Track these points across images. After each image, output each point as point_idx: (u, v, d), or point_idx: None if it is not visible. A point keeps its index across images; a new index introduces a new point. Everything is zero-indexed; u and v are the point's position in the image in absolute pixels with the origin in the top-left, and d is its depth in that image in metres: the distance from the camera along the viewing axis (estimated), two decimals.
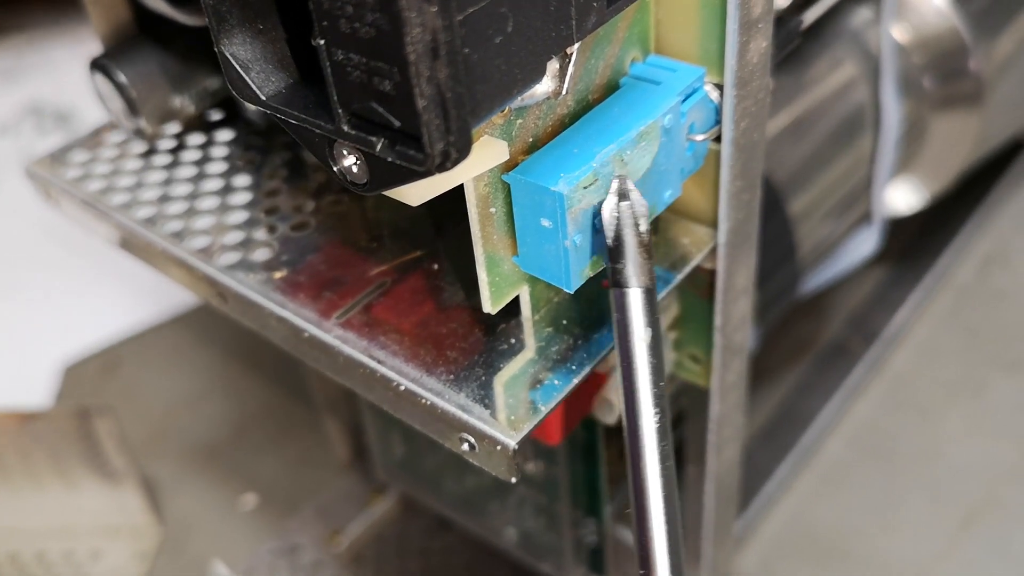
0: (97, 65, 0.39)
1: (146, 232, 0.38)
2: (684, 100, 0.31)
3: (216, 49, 0.26)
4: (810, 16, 0.38)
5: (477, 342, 0.32)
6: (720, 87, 0.32)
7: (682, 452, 0.43)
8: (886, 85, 0.59)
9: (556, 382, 0.30)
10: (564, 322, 0.32)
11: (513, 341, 0.32)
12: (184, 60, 0.40)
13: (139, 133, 0.40)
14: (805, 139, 0.57)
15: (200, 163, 0.41)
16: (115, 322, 0.78)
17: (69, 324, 0.79)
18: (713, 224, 0.35)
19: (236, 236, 0.37)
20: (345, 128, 0.24)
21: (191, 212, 0.39)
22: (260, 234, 0.37)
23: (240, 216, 0.38)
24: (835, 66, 0.60)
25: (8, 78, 1.08)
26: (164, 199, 0.40)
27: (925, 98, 0.63)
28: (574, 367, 0.31)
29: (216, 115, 0.44)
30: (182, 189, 0.40)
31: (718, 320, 0.36)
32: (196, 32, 0.39)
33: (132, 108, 0.39)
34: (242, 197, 0.39)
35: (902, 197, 0.69)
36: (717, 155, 0.33)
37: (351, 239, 0.37)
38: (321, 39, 0.23)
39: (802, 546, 0.58)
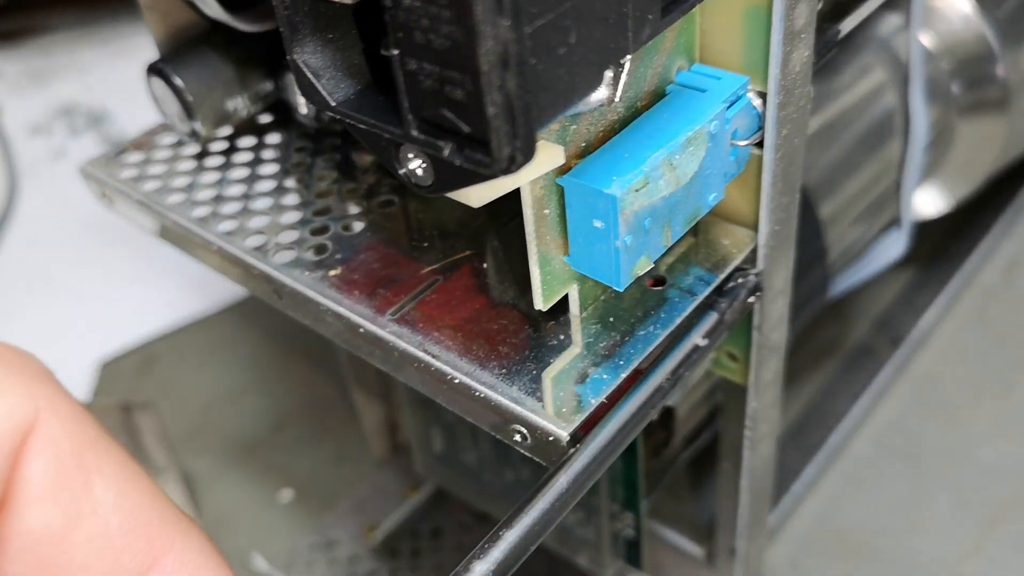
0: (155, 69, 0.41)
1: (202, 231, 0.39)
2: (728, 107, 0.32)
3: (288, 57, 0.27)
4: (847, 25, 0.39)
5: (527, 338, 0.33)
6: (763, 95, 0.33)
7: (716, 447, 0.45)
8: (915, 91, 0.60)
9: (604, 376, 0.31)
10: (611, 319, 0.33)
11: (562, 337, 0.33)
12: (238, 64, 0.41)
13: (193, 135, 0.41)
14: (835, 144, 0.59)
15: (252, 164, 0.43)
16: (152, 319, 0.80)
17: (106, 321, 0.81)
18: (753, 226, 0.36)
19: (290, 235, 0.39)
20: (415, 133, 0.25)
21: (245, 212, 0.40)
22: (313, 233, 0.38)
23: (293, 216, 0.40)
24: (864, 72, 0.61)
25: (38, 80, 1.10)
26: (218, 199, 0.41)
27: (953, 104, 0.64)
28: (621, 362, 0.32)
29: (266, 118, 0.45)
30: (235, 190, 0.41)
31: (756, 319, 0.37)
32: (251, 37, 0.40)
33: (188, 111, 0.41)
34: (294, 198, 0.41)
35: (929, 201, 0.70)
36: (759, 160, 0.34)
37: (401, 239, 0.38)
38: (395, 50, 0.24)
39: (830, 544, 0.59)
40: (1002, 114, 0.65)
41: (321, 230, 0.39)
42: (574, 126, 0.30)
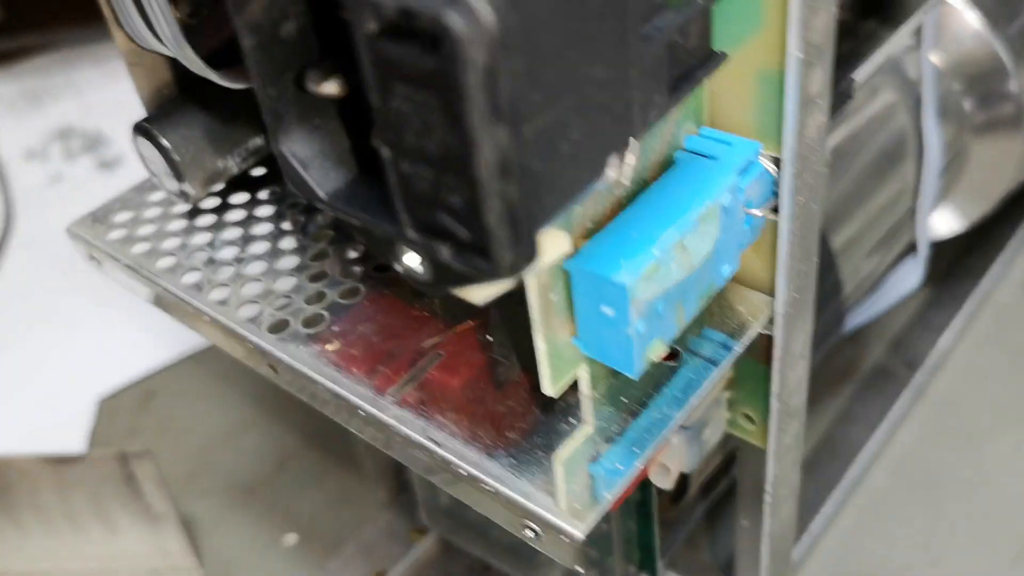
0: (140, 129, 0.39)
1: (193, 299, 0.38)
2: (741, 175, 0.30)
3: (274, 149, 0.25)
4: (862, 74, 0.37)
5: (536, 421, 0.31)
6: (776, 160, 0.31)
7: (732, 495, 0.43)
8: (928, 113, 0.58)
9: (619, 466, 0.30)
10: (623, 399, 0.32)
11: (572, 420, 0.31)
12: (228, 121, 0.40)
13: (183, 196, 0.40)
14: (847, 171, 0.57)
15: (245, 224, 0.41)
16: (151, 352, 0.78)
17: (105, 354, 0.79)
18: (769, 291, 0.34)
19: (285, 304, 0.37)
20: (410, 234, 0.24)
21: (238, 278, 0.39)
22: (309, 301, 0.37)
23: (288, 283, 0.38)
24: (873, 94, 0.59)
25: (34, 101, 1.08)
26: (210, 263, 0.39)
27: (966, 123, 0.62)
28: (636, 449, 0.30)
29: (260, 170, 0.44)
30: (227, 253, 0.40)
31: (775, 387, 0.36)
32: (239, 92, 0.39)
33: (177, 172, 0.39)
34: (289, 261, 0.39)
35: (943, 221, 0.68)
36: (774, 225, 0.32)
37: (401, 307, 0.36)
38: (387, 150, 0.22)
39: None
40: (1017, 131, 0.63)
41: (317, 297, 0.37)
42: (579, 208, 0.28)
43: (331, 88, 0.24)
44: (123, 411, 0.74)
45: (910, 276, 0.61)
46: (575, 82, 0.22)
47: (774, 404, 0.36)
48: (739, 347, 0.33)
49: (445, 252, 0.23)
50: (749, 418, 0.39)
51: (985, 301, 0.73)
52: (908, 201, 0.61)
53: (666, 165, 0.31)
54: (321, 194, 0.26)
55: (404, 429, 0.32)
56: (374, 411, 0.32)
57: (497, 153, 0.20)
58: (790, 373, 0.36)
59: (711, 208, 0.29)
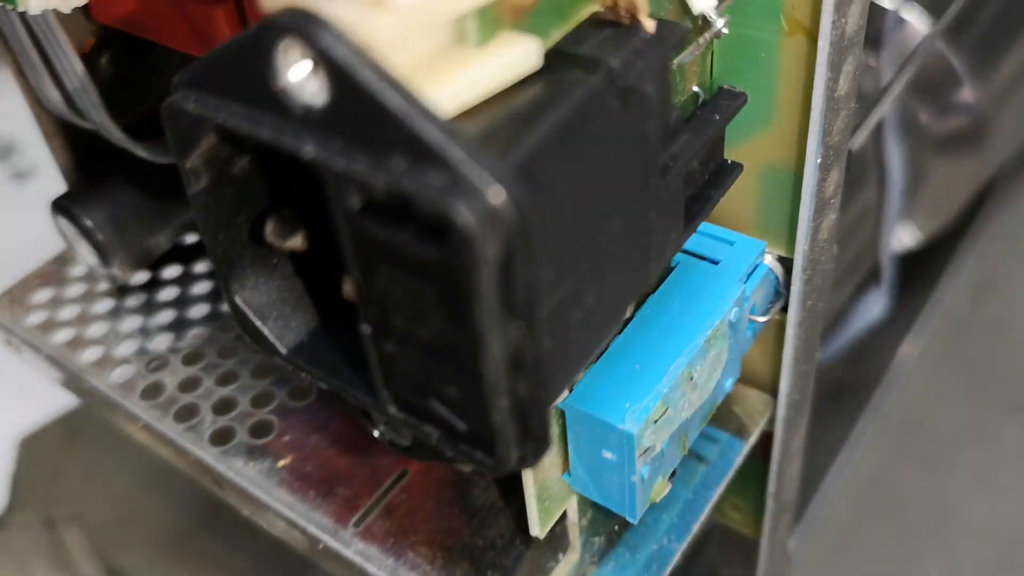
0: (60, 207, 0.35)
1: (124, 401, 0.34)
2: (747, 280, 0.27)
3: (226, 299, 0.21)
4: (857, 141, 0.34)
5: (520, 557, 0.28)
6: (781, 258, 0.28)
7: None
8: (889, 132, 0.56)
9: None
10: (616, 527, 0.29)
11: (560, 555, 0.28)
12: (158, 195, 0.35)
13: (110, 278, 0.36)
14: None
15: (178, 304, 0.37)
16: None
17: (22, 393, 0.74)
18: (769, 390, 0.31)
19: (229, 406, 0.33)
20: (392, 411, 0.20)
21: (175, 373, 0.35)
22: (257, 404, 0.33)
23: (231, 379, 0.34)
24: None
25: None
26: (141, 354, 0.35)
27: (925, 136, 0.60)
28: None
29: (192, 237, 0.40)
30: (161, 341, 0.36)
31: (772, 486, 0.33)
32: (166, 165, 0.34)
33: (102, 254, 0.35)
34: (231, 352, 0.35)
35: (902, 235, 0.66)
36: (777, 325, 0.29)
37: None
38: (368, 326, 0.19)
39: None
40: (975, 142, 0.61)
41: (264, 399, 0.33)
42: None
43: (296, 243, 0.20)
44: (45, 450, 0.69)
45: (874, 306, 0.58)
46: (591, 244, 0.19)
47: (770, 503, 0.33)
48: (747, 447, 0.30)
49: (436, 437, 0.20)
50: (736, 507, 0.36)
51: (938, 313, 0.72)
52: (869, 227, 0.58)
53: (667, 270, 0.28)
54: (282, 350, 0.22)
55: (371, 567, 0.28)
56: (336, 545, 0.29)
57: (508, 350, 0.17)
58: (787, 470, 0.33)
59: (719, 327, 0.26)
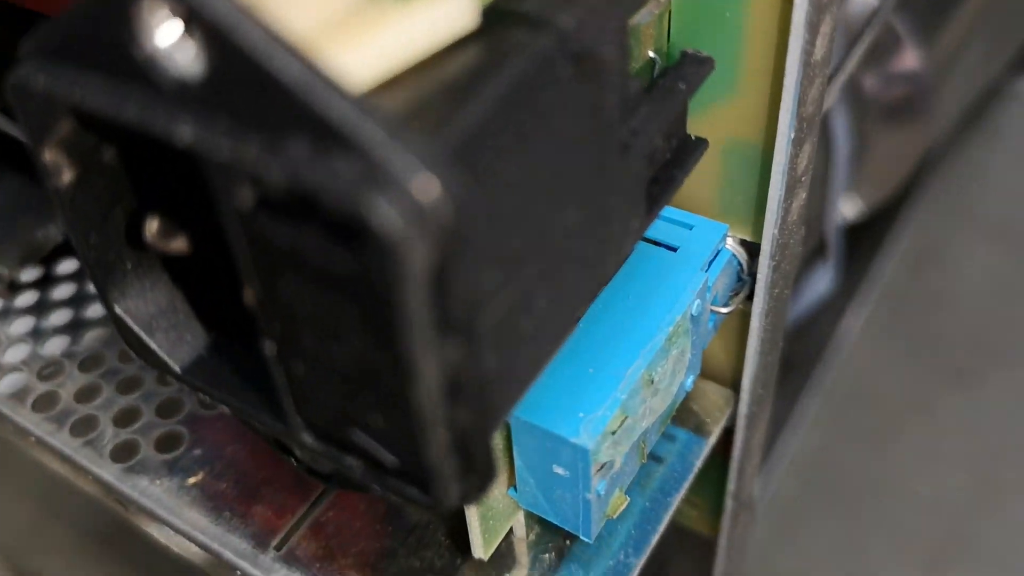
0: None
1: (14, 414, 0.30)
2: (709, 268, 0.24)
3: (106, 309, 0.18)
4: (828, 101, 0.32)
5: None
6: (745, 242, 0.25)
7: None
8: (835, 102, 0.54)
9: None
10: (567, 541, 0.26)
11: (506, 575, 0.25)
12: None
13: None
14: None
15: (74, 303, 0.33)
16: None
17: None
18: (730, 385, 0.29)
19: (133, 419, 0.30)
20: (306, 439, 0.17)
21: (70, 380, 0.31)
22: (163, 414, 0.30)
23: (134, 385, 0.31)
24: None
25: None
26: (33, 360, 0.32)
27: (869, 104, 0.58)
28: None
29: None
30: (55, 344, 0.32)
31: (732, 485, 0.30)
32: None
33: None
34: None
35: (845, 207, 0.64)
36: (740, 315, 0.27)
37: None
38: (272, 344, 0.15)
39: None
40: (919, 111, 0.59)
41: (171, 408, 0.30)
42: None
43: (182, 245, 0.17)
44: None
45: (821, 280, 0.56)
46: (542, 241, 0.16)
47: (729, 503, 0.31)
48: (709, 445, 0.28)
49: (360, 472, 0.16)
50: (691, 503, 0.33)
51: (878, 284, 0.70)
52: (816, 200, 0.56)
53: None
54: (175, 368, 0.18)
55: None
56: (256, 573, 0.26)
57: (444, 373, 0.14)
58: (747, 466, 0.30)
59: (680, 322, 0.23)
